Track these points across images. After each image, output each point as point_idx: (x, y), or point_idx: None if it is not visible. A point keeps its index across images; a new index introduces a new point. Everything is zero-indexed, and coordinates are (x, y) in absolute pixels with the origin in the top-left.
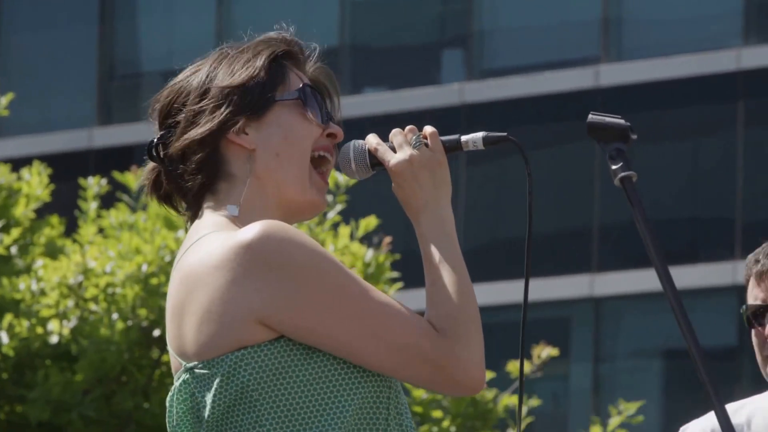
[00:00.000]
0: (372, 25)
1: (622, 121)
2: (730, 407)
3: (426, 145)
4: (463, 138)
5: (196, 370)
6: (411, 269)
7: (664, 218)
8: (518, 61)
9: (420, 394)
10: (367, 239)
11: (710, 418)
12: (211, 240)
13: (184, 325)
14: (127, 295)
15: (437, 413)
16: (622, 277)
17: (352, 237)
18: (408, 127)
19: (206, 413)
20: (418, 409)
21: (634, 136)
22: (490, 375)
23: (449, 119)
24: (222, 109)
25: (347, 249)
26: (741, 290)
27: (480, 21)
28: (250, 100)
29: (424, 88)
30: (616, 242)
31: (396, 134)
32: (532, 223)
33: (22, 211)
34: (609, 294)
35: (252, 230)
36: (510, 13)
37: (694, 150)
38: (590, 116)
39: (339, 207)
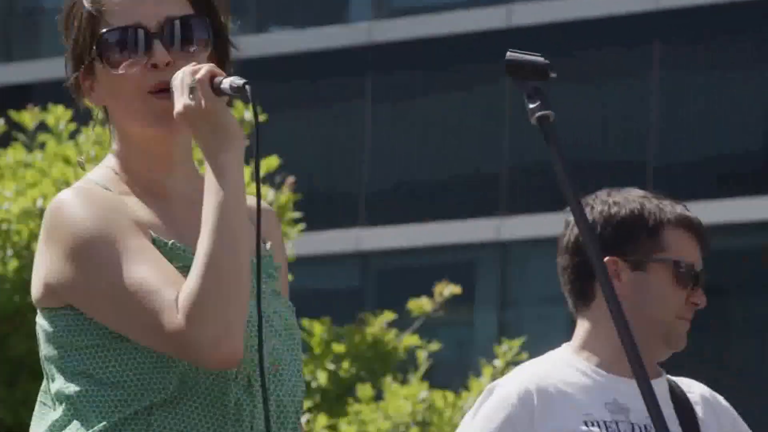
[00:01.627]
0: None
1: (541, 59)
2: (532, 370)
3: (199, 89)
4: (223, 83)
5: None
6: (314, 210)
7: (579, 159)
8: (428, 0)
9: (320, 331)
10: (270, 179)
11: (532, 370)
12: None
13: None
14: (21, 231)
15: (339, 347)
16: (530, 221)
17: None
18: (186, 69)
19: (43, 349)
20: (317, 349)
21: (554, 74)
22: (390, 316)
23: (358, 59)
24: (68, 69)
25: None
26: None
27: None
28: (77, 62)
29: (332, 27)
30: (524, 185)
31: (184, 72)
32: (260, 186)
33: None
34: (516, 238)
35: (59, 197)
36: None
37: (610, 92)
38: (508, 53)
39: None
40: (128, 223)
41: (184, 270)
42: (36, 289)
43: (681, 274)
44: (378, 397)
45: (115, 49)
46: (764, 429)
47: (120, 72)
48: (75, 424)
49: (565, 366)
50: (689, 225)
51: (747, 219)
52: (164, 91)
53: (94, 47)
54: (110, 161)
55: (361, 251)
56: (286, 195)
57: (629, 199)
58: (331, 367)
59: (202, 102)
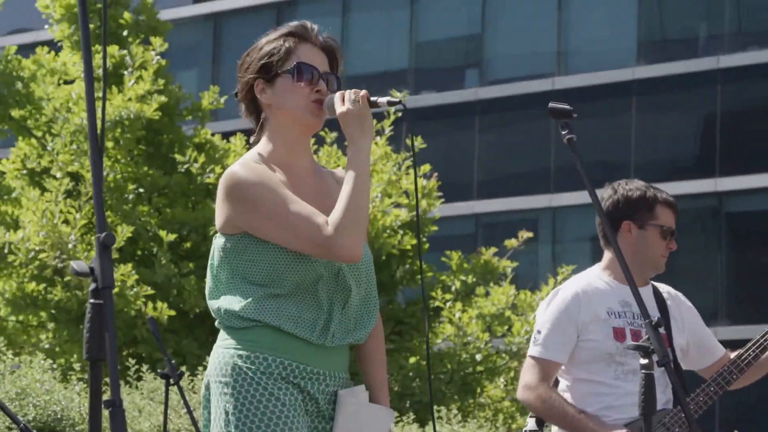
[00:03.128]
0: None
1: (567, 107)
2: (579, 280)
3: (360, 101)
4: (379, 100)
5: (218, 234)
6: (448, 191)
7: (591, 162)
8: (517, 74)
9: (455, 258)
10: (424, 176)
11: (579, 281)
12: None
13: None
14: None
15: (467, 266)
16: (575, 195)
17: (423, 176)
18: (347, 91)
19: (217, 257)
20: (455, 267)
21: (575, 115)
22: (493, 250)
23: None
24: (248, 72)
25: (412, 182)
26: None
27: (491, 48)
28: (260, 70)
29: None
30: (569, 173)
31: (346, 93)
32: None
33: None
34: (563, 205)
35: (229, 169)
36: (511, 41)
37: (603, 125)
38: (550, 104)
39: (409, 162)
40: (278, 181)
41: None
42: (220, 222)
43: (664, 232)
44: (487, 294)
45: (303, 73)
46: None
47: (301, 84)
48: (231, 302)
49: (597, 278)
50: (670, 204)
51: (688, 192)
52: (318, 102)
53: (290, 67)
54: (260, 147)
55: (475, 213)
56: (431, 182)
57: (638, 187)
58: (463, 278)
59: (361, 108)
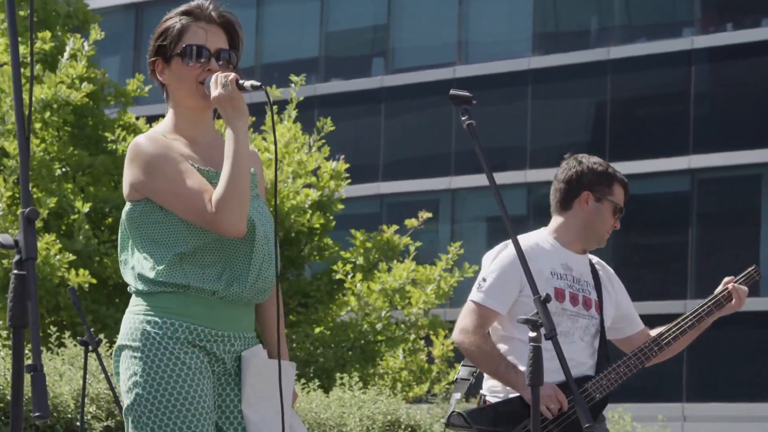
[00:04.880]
0: None
1: (467, 93)
2: (525, 241)
3: (229, 85)
4: (245, 84)
5: (126, 202)
6: (354, 173)
7: (491, 147)
8: (421, 63)
9: (359, 235)
10: (332, 157)
11: (527, 239)
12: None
13: None
14: None
15: (370, 244)
16: (474, 178)
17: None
18: (219, 74)
19: (126, 223)
20: (360, 247)
21: (474, 102)
22: (394, 227)
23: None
24: (149, 55)
25: (323, 164)
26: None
27: (397, 38)
28: (157, 51)
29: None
30: (468, 157)
31: (219, 76)
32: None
33: None
34: (462, 187)
35: (135, 139)
36: (415, 33)
37: (500, 113)
38: (451, 91)
39: (319, 143)
40: (178, 155)
41: (212, 185)
42: (126, 189)
43: (615, 209)
44: (389, 270)
45: (192, 55)
46: None
47: (190, 66)
48: (143, 264)
49: (543, 240)
50: (624, 184)
51: None
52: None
53: (180, 50)
54: (166, 120)
55: (380, 193)
56: (340, 164)
57: (600, 162)
58: (366, 255)
59: (231, 92)
